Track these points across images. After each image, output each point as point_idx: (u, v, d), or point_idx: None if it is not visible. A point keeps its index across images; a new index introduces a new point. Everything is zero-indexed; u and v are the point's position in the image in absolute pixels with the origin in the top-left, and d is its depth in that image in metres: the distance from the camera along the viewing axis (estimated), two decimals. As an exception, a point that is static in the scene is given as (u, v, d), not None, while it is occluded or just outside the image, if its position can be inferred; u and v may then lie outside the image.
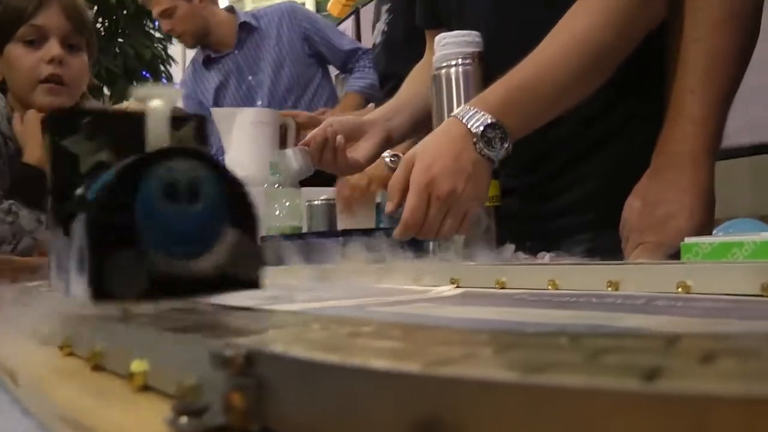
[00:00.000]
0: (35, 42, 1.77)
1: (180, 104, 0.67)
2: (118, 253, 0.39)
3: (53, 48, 1.77)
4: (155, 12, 2.83)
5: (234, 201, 0.43)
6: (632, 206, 1.03)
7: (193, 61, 3.07)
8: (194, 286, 0.42)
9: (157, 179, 0.40)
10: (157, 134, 0.46)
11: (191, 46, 2.98)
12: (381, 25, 2.25)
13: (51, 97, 1.79)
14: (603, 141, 1.25)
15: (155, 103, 0.48)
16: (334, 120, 1.37)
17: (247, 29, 2.89)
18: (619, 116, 1.23)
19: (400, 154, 1.78)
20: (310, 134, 1.37)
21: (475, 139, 1.01)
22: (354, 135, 1.36)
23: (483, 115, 1.01)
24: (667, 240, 0.95)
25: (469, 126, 1.01)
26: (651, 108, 1.13)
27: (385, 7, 2.22)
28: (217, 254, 0.42)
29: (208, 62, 2.97)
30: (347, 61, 2.91)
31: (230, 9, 2.99)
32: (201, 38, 2.89)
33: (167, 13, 2.79)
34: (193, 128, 0.52)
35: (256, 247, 0.45)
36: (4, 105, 1.78)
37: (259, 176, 1.98)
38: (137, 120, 0.46)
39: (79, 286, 0.41)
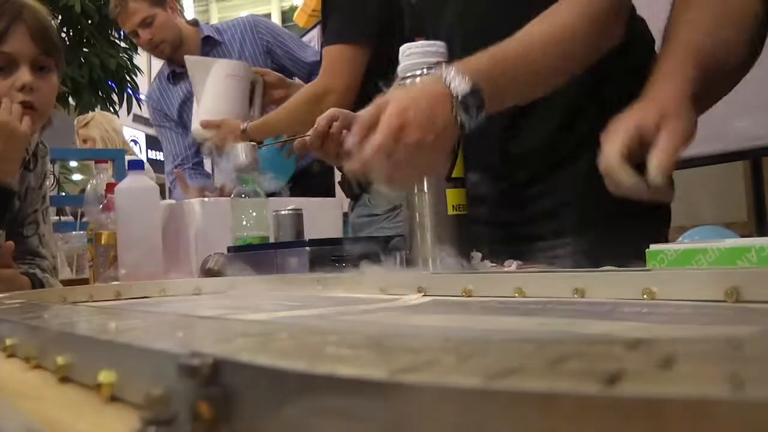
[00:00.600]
0: (5, 68, 1.75)
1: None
2: None
3: (24, 75, 1.75)
4: (132, 24, 2.79)
5: None
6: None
7: (159, 74, 3.05)
8: None
9: None
10: None
11: (168, 56, 2.95)
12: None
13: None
14: (576, 151, 1.28)
15: None
16: (337, 112, 1.39)
17: (210, 43, 2.87)
18: (594, 126, 1.25)
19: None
20: (317, 122, 1.40)
21: (453, 102, 0.99)
22: None
23: (466, 80, 0.99)
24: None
25: (450, 87, 0.99)
26: None
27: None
28: None
29: (173, 77, 2.96)
30: (312, 73, 2.89)
31: (194, 22, 2.97)
32: (176, 48, 2.87)
33: (146, 23, 2.77)
34: None
35: None
36: None
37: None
38: None
39: None
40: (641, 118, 0.94)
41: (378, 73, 1.76)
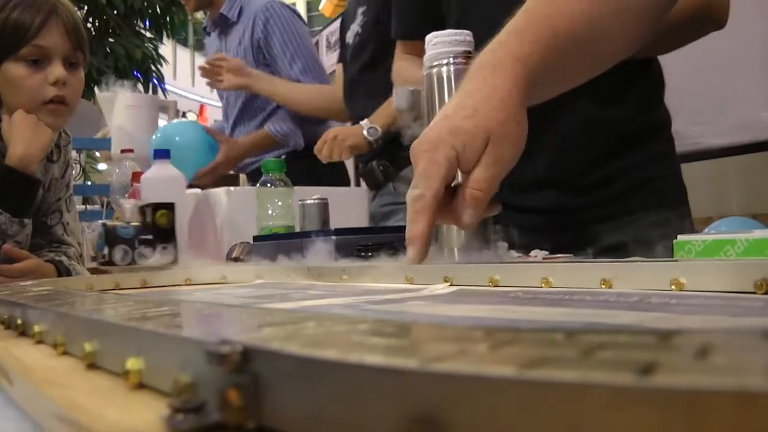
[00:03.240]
0: (38, 62, 1.76)
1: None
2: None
3: (57, 69, 1.76)
4: None
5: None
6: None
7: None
8: None
9: None
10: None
11: (193, 10, 2.99)
12: (355, 27, 2.29)
13: (54, 118, 1.79)
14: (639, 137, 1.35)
15: None
16: None
17: (223, 22, 2.88)
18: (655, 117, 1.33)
19: (377, 127, 1.98)
20: None
21: None
22: None
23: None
24: (441, 133, 0.87)
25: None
26: None
27: (360, 9, 2.27)
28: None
29: (208, 30, 3.01)
30: (260, 107, 2.88)
31: None
32: (203, 6, 2.90)
33: None
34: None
35: None
36: None
37: (138, 151, 2.26)
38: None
39: None
40: (462, 144, 0.86)
41: None
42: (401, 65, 1.75)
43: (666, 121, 1.45)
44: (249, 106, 2.83)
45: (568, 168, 1.39)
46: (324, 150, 2.16)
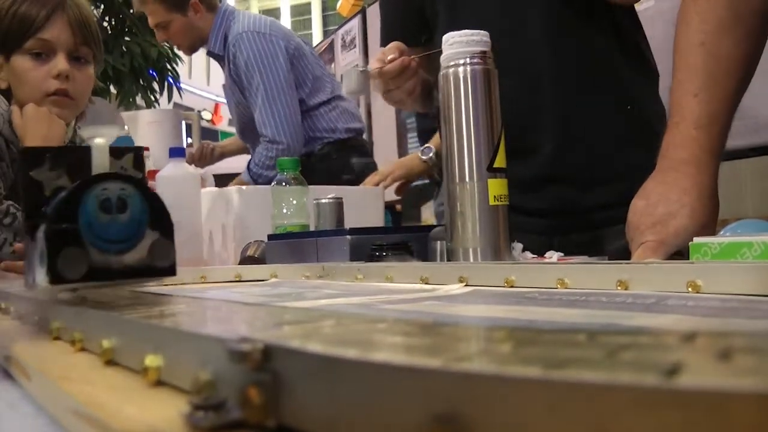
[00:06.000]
0: (42, 55, 1.78)
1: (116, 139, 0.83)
2: (66, 250, 0.56)
3: (60, 63, 1.78)
4: (151, 23, 2.81)
5: (154, 210, 0.62)
6: (636, 206, 1.03)
7: None
8: (123, 274, 0.59)
9: (93, 197, 0.58)
10: (99, 164, 0.65)
11: (188, 54, 3.00)
12: None
13: (57, 110, 1.80)
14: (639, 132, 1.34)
15: (98, 140, 0.67)
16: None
17: (214, 57, 2.88)
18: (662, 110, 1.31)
19: (431, 146, 1.98)
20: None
21: None
22: None
23: None
24: (668, 238, 0.95)
25: None
26: None
27: None
28: (141, 250, 0.60)
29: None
30: (244, 129, 2.93)
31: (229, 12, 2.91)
32: (197, 47, 2.87)
33: (162, 26, 2.77)
34: (132, 158, 0.70)
35: (171, 244, 0.63)
36: (6, 109, 1.78)
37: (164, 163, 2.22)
38: (86, 153, 0.65)
39: (41, 275, 0.57)
40: (682, 245, 0.94)
41: None
42: None
43: (664, 118, 1.45)
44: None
45: (568, 164, 1.39)
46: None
